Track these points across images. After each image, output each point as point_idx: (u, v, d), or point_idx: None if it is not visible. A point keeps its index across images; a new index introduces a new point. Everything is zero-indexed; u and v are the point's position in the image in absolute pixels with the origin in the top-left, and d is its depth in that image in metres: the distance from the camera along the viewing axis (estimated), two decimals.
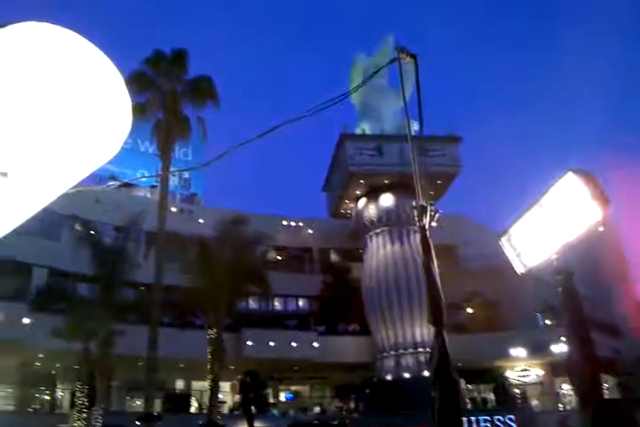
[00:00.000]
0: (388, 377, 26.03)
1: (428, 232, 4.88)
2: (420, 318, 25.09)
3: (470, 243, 28.45)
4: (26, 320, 21.48)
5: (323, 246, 32.48)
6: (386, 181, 28.78)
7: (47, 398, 23.21)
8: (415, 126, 6.03)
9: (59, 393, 23.40)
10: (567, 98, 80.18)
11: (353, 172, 29.06)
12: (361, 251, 30.28)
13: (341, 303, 28.82)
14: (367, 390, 25.78)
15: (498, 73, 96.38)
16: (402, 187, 26.33)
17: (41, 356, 22.90)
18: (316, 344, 26.87)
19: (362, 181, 29.43)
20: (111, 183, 23.16)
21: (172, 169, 23.04)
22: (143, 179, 33.23)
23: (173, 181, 33.24)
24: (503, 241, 6.27)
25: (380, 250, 28.67)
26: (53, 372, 24.02)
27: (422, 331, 25.48)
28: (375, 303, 27.39)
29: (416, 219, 4.92)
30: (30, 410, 21.38)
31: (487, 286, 27.19)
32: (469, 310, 29.70)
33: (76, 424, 18.39)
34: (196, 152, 37.28)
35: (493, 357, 26.34)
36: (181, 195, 37.19)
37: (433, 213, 4.92)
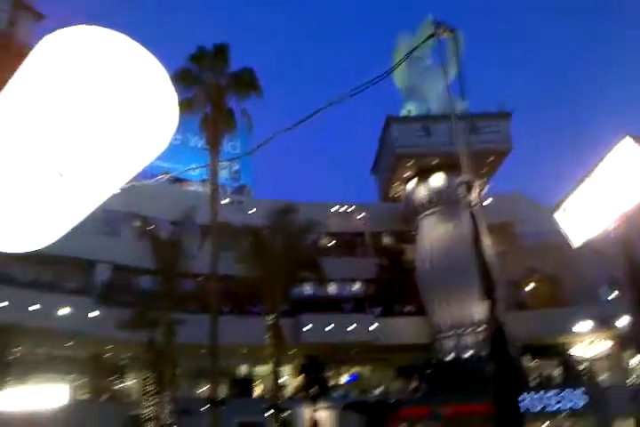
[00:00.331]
0: (449, 357, 25.92)
1: (475, 207, 4.81)
2: (478, 297, 24.79)
3: (526, 220, 27.84)
4: (93, 313, 22.45)
5: (375, 230, 32.39)
6: (435, 162, 28.46)
7: (118, 386, 24.16)
8: (463, 105, 5.93)
9: (129, 382, 24.33)
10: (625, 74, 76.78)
11: (401, 154, 28.83)
12: (413, 233, 30.08)
13: (396, 285, 28.78)
14: (428, 371, 25.74)
15: (547, 43, 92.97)
16: (452, 166, 25.93)
17: (110, 347, 23.89)
18: (373, 327, 26.99)
19: (410, 163, 29.16)
20: (162, 176, 23.76)
21: (220, 162, 23.37)
22: (195, 171, 33.88)
23: (223, 174, 33.69)
24: (558, 215, 6.13)
25: (432, 231, 28.42)
26: (122, 362, 25.03)
27: (481, 309, 25.18)
28: (431, 284, 27.22)
29: (463, 195, 4.87)
30: (103, 399, 22.33)
31: (547, 262, 26.59)
32: (530, 287, 29.16)
33: (146, 410, 19.14)
34: (244, 144, 37.62)
35: (557, 332, 25.84)
36: (231, 187, 37.67)
37: (479, 189, 4.85)
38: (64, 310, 21.90)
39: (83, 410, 17.79)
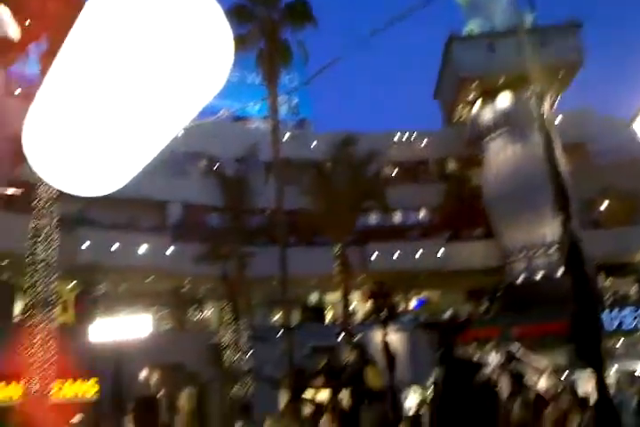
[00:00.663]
0: (520, 279, 25.86)
1: (546, 119, 4.58)
2: (550, 218, 24.21)
3: (600, 137, 26.51)
4: (169, 250, 23.61)
5: (439, 156, 31.78)
6: (501, 81, 27.11)
7: (198, 317, 25.63)
8: (530, 17, 5.51)
9: (207, 312, 25.75)
10: None
11: (464, 74, 27.59)
12: (480, 157, 29.33)
13: (463, 211, 28.48)
14: (498, 293, 25.85)
15: None
16: (519, 85, 24.74)
17: (187, 281, 25.23)
18: (440, 253, 27.12)
19: (475, 84, 27.91)
20: (223, 112, 24.03)
21: (280, 97, 23.24)
22: (256, 108, 33.87)
23: (283, 110, 33.50)
24: (636, 126, 5.72)
25: (500, 153, 27.59)
26: (200, 294, 26.44)
27: (553, 230, 24.62)
28: (499, 207, 26.77)
29: (533, 108, 4.61)
30: (185, 328, 23.82)
31: (622, 179, 25.51)
32: (604, 206, 28.22)
33: (225, 338, 20.33)
34: (302, 77, 37.00)
35: (633, 251, 25.19)
36: (292, 121, 37.51)
37: (551, 102, 4.59)
38: (142, 249, 23.09)
39: (167, 339, 19.05)
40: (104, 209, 23.55)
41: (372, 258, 26.54)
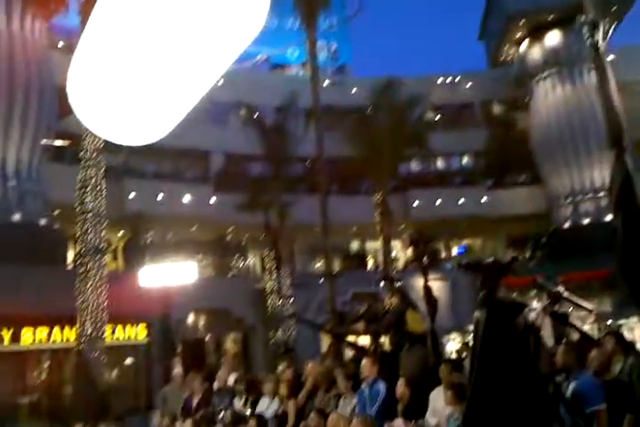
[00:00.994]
0: (566, 225, 25.42)
1: (601, 51, 4.34)
2: (600, 161, 23.46)
3: None
4: (212, 199, 24.02)
5: (484, 99, 30.81)
6: (551, 17, 25.70)
7: (241, 264, 26.28)
8: None
9: (250, 260, 26.36)
10: None
11: (512, 12, 26.25)
12: (527, 99, 28.31)
13: (509, 156, 27.78)
14: (543, 240, 25.51)
15: None
16: (570, 21, 23.48)
17: (230, 229, 25.75)
18: (484, 199, 26.79)
19: (522, 22, 26.54)
20: (261, 58, 23.76)
21: (319, 42, 22.71)
22: (294, 55, 33.32)
23: (322, 55, 32.79)
24: None
25: (549, 95, 26.54)
26: (243, 242, 27.02)
27: (602, 174, 23.91)
28: (547, 151, 25.98)
29: (586, 44, 4.37)
30: (229, 275, 24.51)
31: None
32: None
33: (268, 284, 20.87)
34: (341, 21, 35.94)
35: None
36: (331, 67, 36.77)
37: (605, 34, 4.34)
38: (186, 198, 23.55)
39: (212, 285, 19.65)
40: (148, 159, 24.03)
41: (414, 205, 26.41)
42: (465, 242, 29.64)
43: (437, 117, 30.97)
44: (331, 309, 16.76)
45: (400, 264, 25.82)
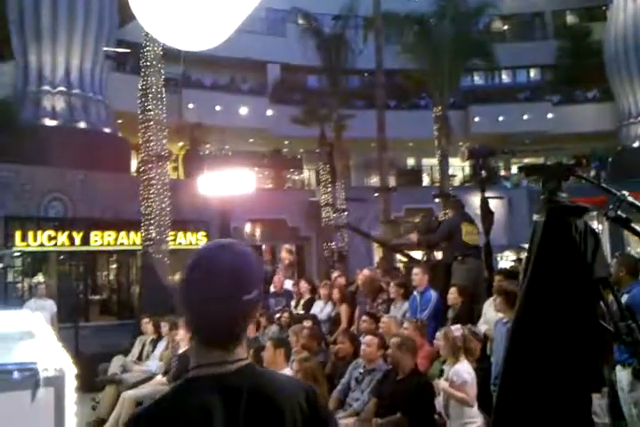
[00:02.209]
0: (635, 144, 24.28)
1: None
2: None
3: None
4: (268, 112, 23.95)
5: (556, 8, 28.66)
6: None
7: (296, 177, 26.57)
8: None
9: (305, 173, 26.59)
10: None
11: None
12: (604, 8, 26.16)
13: (579, 70, 26.17)
14: (609, 158, 24.54)
15: None
16: None
17: (286, 142, 25.82)
18: (550, 115, 25.68)
19: None
20: None
21: None
22: None
23: None
24: None
25: (628, 3, 24.46)
26: (299, 156, 27.13)
27: None
28: (620, 65, 24.30)
29: None
30: (285, 187, 24.90)
31: None
32: None
33: (322, 197, 21.15)
34: None
35: None
36: None
37: None
38: (243, 110, 23.56)
39: (268, 196, 20.05)
40: (206, 71, 23.92)
41: (475, 121, 25.67)
42: (527, 160, 28.83)
43: (505, 28, 29.22)
44: (384, 222, 16.96)
45: (456, 181, 25.53)
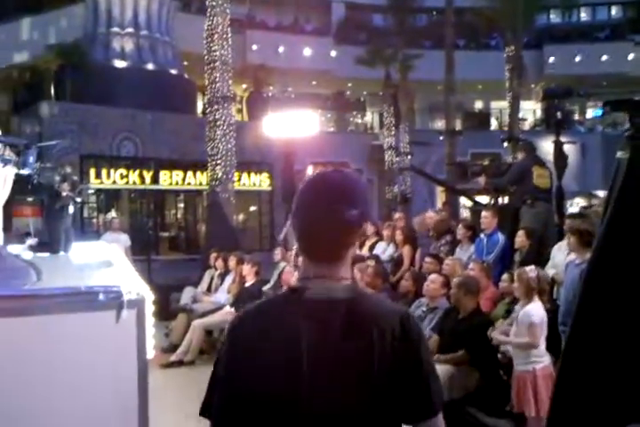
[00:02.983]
0: None
1: None
2: None
3: None
4: (332, 53, 23.44)
5: None
6: None
7: (359, 120, 26.22)
8: None
9: (368, 116, 26.18)
10: None
11: None
12: None
13: None
14: None
15: None
16: None
17: (350, 84, 25.34)
18: (631, 56, 24.07)
19: None
20: None
21: None
22: None
23: None
24: None
25: None
26: (362, 98, 26.64)
27: None
28: None
29: None
30: (348, 130, 24.66)
31: None
32: None
33: (386, 140, 20.86)
34: None
35: None
36: None
37: None
38: (306, 51, 23.15)
39: (331, 139, 19.95)
40: (270, 10, 23.47)
41: (549, 62, 24.35)
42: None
43: None
44: (449, 165, 16.63)
45: (527, 125, 24.56)
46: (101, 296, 2.50)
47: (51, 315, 2.42)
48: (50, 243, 5.96)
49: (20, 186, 3.20)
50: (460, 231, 6.55)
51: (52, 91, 16.22)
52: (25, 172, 3.02)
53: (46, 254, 5.03)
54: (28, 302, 2.44)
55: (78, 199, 6.26)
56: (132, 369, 2.52)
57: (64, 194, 5.95)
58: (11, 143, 2.86)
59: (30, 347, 2.36)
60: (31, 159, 2.96)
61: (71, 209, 6.21)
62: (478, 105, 27.79)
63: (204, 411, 1.34)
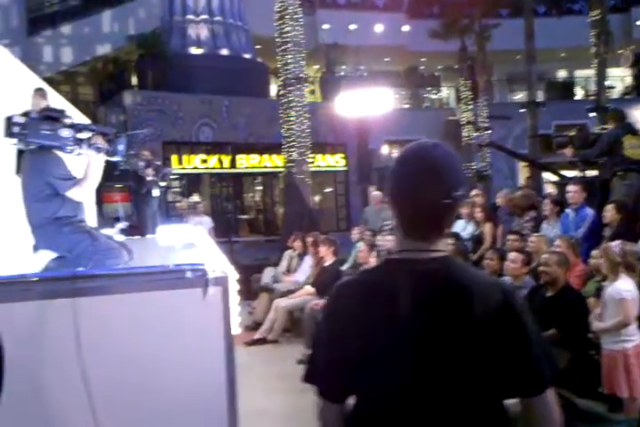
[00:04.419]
0: None
1: None
2: None
3: None
4: (405, 28, 22.95)
5: None
6: None
7: (434, 96, 25.61)
8: None
9: (443, 91, 25.51)
10: None
11: None
12: None
13: None
14: None
15: None
16: None
17: (423, 59, 24.76)
18: None
19: None
20: None
21: None
22: None
23: None
24: None
25: None
26: (436, 73, 25.97)
27: None
28: None
29: None
30: (423, 107, 24.16)
31: None
32: None
33: (463, 115, 20.27)
34: None
35: None
36: None
37: None
38: (378, 27, 22.78)
39: (405, 116, 19.62)
40: None
41: (638, 24, 22.77)
42: None
43: None
44: (532, 138, 15.98)
45: (615, 94, 23.15)
46: (188, 274, 2.60)
47: (142, 292, 2.55)
48: (138, 226, 6.26)
49: (107, 173, 3.35)
50: (547, 207, 6.29)
51: (134, 80, 16.83)
52: (115, 159, 3.16)
53: (135, 237, 5.28)
54: (122, 281, 2.57)
55: (162, 183, 6.52)
56: (220, 344, 2.61)
57: (148, 179, 6.23)
58: (102, 132, 2.99)
59: (124, 322, 2.49)
60: (121, 147, 3.09)
61: (156, 193, 6.48)
62: (561, 74, 26.48)
63: (308, 378, 1.41)
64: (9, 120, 2.86)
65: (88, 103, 16.87)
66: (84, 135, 2.92)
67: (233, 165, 16.67)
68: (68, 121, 2.94)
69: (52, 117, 2.85)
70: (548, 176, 14.47)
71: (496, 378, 1.25)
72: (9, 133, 2.74)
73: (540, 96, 21.36)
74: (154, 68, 15.63)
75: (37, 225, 2.93)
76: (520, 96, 22.65)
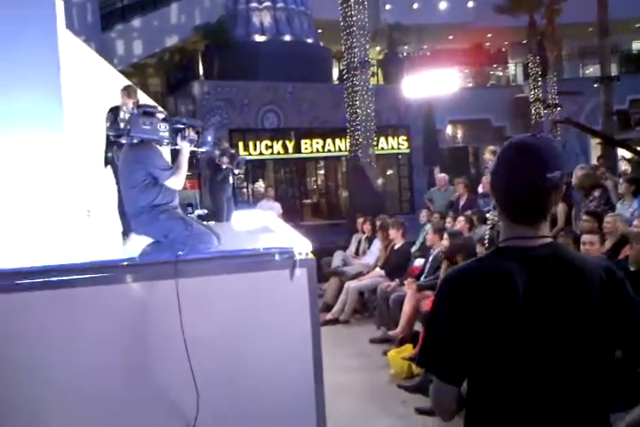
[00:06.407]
0: None
1: None
2: None
3: None
4: (469, 4, 22.37)
5: None
6: None
7: (500, 73, 24.90)
8: None
9: (511, 68, 24.75)
10: None
11: None
12: None
13: None
14: None
15: None
16: None
17: (489, 36, 24.05)
18: None
19: None
20: None
21: None
22: None
23: None
24: None
25: None
26: (503, 49, 25.22)
27: None
28: None
29: None
30: (489, 85, 23.55)
31: None
32: None
33: (532, 92, 19.64)
34: None
35: None
36: None
37: None
38: (442, 5, 22.33)
39: (471, 95, 19.19)
40: None
41: None
42: None
43: None
44: (606, 115, 15.36)
45: None
46: (277, 257, 2.78)
47: (234, 274, 2.75)
48: (215, 212, 6.53)
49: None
50: (623, 186, 6.15)
51: (202, 70, 17.24)
52: (204, 149, 3.37)
53: (212, 222, 5.54)
54: (215, 263, 2.78)
55: (237, 171, 6.75)
56: (307, 323, 2.80)
57: (224, 166, 6.47)
58: (192, 125, 3.21)
59: (218, 302, 2.71)
60: (209, 138, 3.29)
61: (231, 180, 6.73)
62: (636, 46, 25.15)
63: (426, 362, 1.50)
64: (114, 117, 3.11)
65: (157, 94, 17.42)
66: (177, 128, 3.14)
67: (297, 150, 16.88)
68: (160, 115, 3.16)
69: (149, 113, 3.08)
70: (622, 153, 13.94)
71: (619, 346, 1.42)
72: (114, 129, 2.98)
73: (614, 70, 20.42)
74: (220, 57, 15.96)
75: (137, 212, 3.16)
76: (592, 70, 21.73)
